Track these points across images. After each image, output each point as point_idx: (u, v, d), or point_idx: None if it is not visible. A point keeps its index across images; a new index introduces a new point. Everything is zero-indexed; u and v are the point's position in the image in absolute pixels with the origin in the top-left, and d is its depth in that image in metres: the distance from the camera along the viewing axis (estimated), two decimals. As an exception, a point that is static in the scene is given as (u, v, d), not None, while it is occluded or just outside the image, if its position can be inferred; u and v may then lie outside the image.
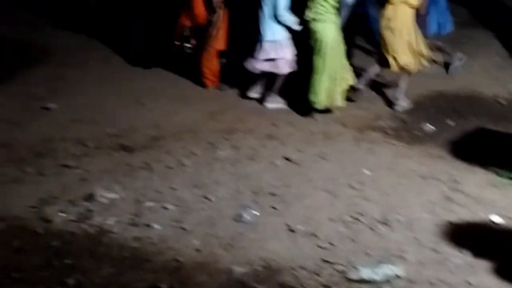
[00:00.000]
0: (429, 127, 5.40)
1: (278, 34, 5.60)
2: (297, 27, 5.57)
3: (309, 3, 5.42)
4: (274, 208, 4.05)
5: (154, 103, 5.85)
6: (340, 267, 3.47)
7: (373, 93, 6.10)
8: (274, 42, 5.61)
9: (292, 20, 5.54)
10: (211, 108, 5.76)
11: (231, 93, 6.15)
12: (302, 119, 5.55)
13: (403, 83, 5.79)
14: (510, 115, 5.71)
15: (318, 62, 5.43)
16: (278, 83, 5.79)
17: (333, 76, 5.45)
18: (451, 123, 5.50)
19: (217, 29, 6.07)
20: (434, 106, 5.88)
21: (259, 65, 5.70)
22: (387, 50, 5.64)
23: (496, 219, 3.96)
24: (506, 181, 4.45)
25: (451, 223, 3.91)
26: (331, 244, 3.67)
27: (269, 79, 5.84)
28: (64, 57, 7.02)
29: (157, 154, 4.79)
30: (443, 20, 6.35)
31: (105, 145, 4.93)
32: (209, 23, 6.09)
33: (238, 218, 3.92)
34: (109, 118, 5.48)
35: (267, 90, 5.86)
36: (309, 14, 5.43)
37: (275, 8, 5.52)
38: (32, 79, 6.37)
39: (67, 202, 4.07)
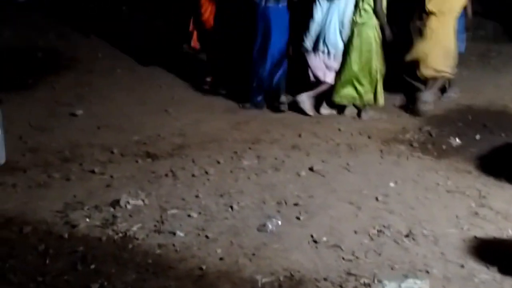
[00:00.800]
0: (456, 141, 5.35)
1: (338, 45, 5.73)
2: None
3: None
4: (298, 218, 4.04)
5: (180, 112, 5.89)
6: (364, 280, 3.43)
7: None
8: (331, 53, 5.74)
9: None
10: (236, 118, 5.78)
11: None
12: (327, 130, 5.53)
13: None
14: (540, 130, 5.62)
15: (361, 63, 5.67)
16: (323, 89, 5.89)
17: (375, 76, 5.70)
18: (478, 137, 5.43)
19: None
20: (461, 120, 5.82)
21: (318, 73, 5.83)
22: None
23: (524, 235, 3.90)
24: (534, 197, 4.38)
25: (478, 239, 3.84)
26: (356, 256, 3.63)
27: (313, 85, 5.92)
28: (91, 65, 7.13)
29: (182, 162, 4.81)
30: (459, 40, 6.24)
31: (130, 152, 4.97)
32: None
33: (262, 228, 3.90)
34: (135, 125, 5.53)
35: (322, 97, 5.96)
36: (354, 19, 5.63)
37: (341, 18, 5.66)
38: (60, 86, 6.47)
39: (93, 207, 4.10)
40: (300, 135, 5.41)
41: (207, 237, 3.80)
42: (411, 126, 5.66)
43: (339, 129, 5.57)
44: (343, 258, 3.62)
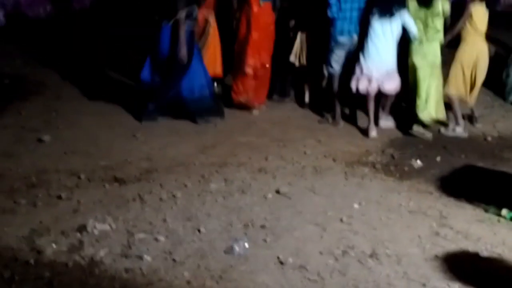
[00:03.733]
0: (417, 163, 5.49)
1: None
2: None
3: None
4: (264, 240, 4.09)
5: (147, 136, 5.92)
6: (329, 300, 3.50)
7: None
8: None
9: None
10: (204, 142, 5.84)
11: (223, 127, 6.24)
12: (293, 153, 5.63)
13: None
14: (497, 152, 5.82)
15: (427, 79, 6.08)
16: (391, 101, 6.26)
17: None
18: (439, 159, 5.60)
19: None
20: (422, 143, 6.00)
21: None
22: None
23: (484, 254, 4.01)
24: (493, 217, 4.52)
25: (439, 258, 3.95)
26: (321, 277, 3.70)
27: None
28: (59, 90, 7.12)
29: (149, 186, 4.84)
30: None
31: (98, 177, 4.97)
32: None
33: (229, 251, 3.95)
34: (103, 150, 5.53)
35: (381, 109, 6.32)
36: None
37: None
38: (27, 112, 6.44)
39: (59, 233, 4.08)
40: (266, 158, 5.49)
41: (174, 260, 3.83)
42: (374, 149, 5.81)
43: (305, 152, 5.67)
44: (308, 279, 3.69)
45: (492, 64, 6.41)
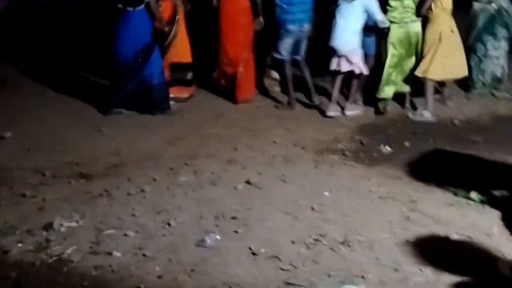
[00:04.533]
0: (386, 148, 5.51)
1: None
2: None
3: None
4: (236, 232, 4.05)
5: (114, 130, 5.82)
6: (302, 289, 3.48)
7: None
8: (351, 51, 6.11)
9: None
10: (172, 134, 5.77)
11: (191, 118, 6.17)
12: (262, 143, 5.60)
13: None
14: (465, 136, 5.86)
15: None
16: (355, 87, 6.26)
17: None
18: (408, 144, 5.62)
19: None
20: (391, 128, 6.02)
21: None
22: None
23: (454, 237, 4.04)
24: (463, 200, 4.55)
25: (410, 242, 3.96)
26: (293, 266, 3.68)
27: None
28: (21, 87, 6.98)
29: (117, 181, 4.75)
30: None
31: (63, 173, 4.87)
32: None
33: (201, 243, 3.90)
34: (68, 146, 5.43)
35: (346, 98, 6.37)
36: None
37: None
38: (-13, 108, 6.28)
39: (25, 232, 3.98)
40: (236, 149, 5.44)
41: (144, 255, 3.76)
42: (342, 136, 5.80)
43: (274, 142, 5.64)
44: (281, 269, 3.66)
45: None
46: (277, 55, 6.46)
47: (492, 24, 6.64)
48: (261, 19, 6.47)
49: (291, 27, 6.27)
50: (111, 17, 6.18)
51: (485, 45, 6.73)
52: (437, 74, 6.25)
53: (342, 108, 6.33)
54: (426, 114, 6.23)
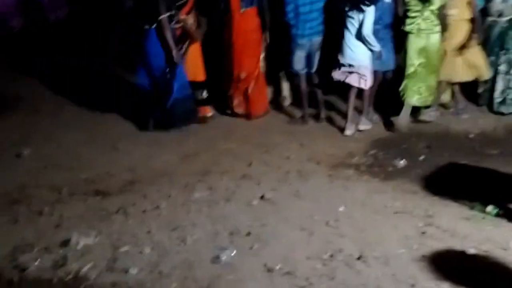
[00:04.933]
0: (401, 162, 5.49)
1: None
2: (377, 48, 5.96)
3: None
4: (251, 248, 4.05)
5: (129, 147, 5.86)
6: (319, 305, 3.47)
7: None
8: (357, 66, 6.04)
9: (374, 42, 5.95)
10: (186, 150, 5.79)
11: (204, 135, 6.20)
12: (276, 158, 5.60)
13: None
14: (480, 149, 5.82)
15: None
16: (366, 102, 6.24)
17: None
18: (422, 158, 5.60)
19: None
20: (405, 142, 6.00)
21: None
22: None
23: (471, 251, 4.01)
24: (478, 214, 4.52)
25: (426, 257, 3.94)
26: (309, 282, 3.67)
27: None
28: (37, 104, 7.05)
29: (132, 198, 4.78)
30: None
31: (79, 191, 4.91)
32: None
33: (216, 260, 3.90)
34: (84, 163, 5.47)
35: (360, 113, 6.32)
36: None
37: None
38: (4, 126, 6.36)
39: (42, 249, 4.02)
40: (250, 165, 5.45)
41: (160, 272, 3.78)
42: (357, 150, 5.79)
43: (288, 157, 5.64)
44: (297, 285, 3.65)
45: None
46: (292, 70, 6.48)
47: (503, 38, 6.53)
48: (267, 35, 6.51)
49: (302, 41, 6.29)
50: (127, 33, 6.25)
51: (497, 60, 6.55)
52: (459, 76, 6.31)
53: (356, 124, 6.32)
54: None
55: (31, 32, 8.87)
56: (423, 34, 6.12)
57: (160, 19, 5.95)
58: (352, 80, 6.13)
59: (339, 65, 6.15)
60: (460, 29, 6.21)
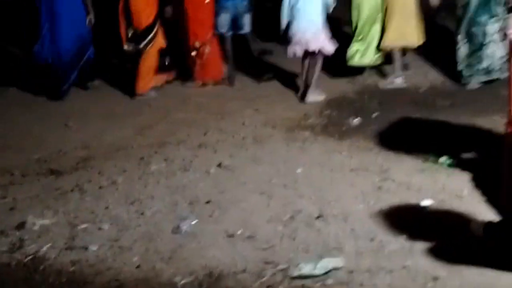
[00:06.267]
0: (355, 121, 5.54)
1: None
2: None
3: None
4: (211, 216, 4.05)
5: (81, 124, 5.77)
6: (281, 267, 3.49)
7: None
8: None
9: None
10: (140, 122, 5.73)
11: (158, 106, 6.13)
12: (232, 125, 5.58)
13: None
14: (431, 102, 5.92)
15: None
16: (316, 73, 6.10)
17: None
18: (375, 115, 5.66)
19: None
20: (358, 101, 6.06)
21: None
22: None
23: (427, 203, 4.09)
24: (432, 165, 4.60)
25: (384, 212, 4.00)
26: (271, 244, 3.69)
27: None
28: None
29: (87, 175, 4.71)
30: None
31: (32, 171, 4.81)
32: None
33: (177, 230, 3.89)
34: (35, 143, 5.36)
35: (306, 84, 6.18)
36: None
37: None
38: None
39: (-2, 233, 3.94)
40: (205, 133, 5.43)
41: (121, 247, 3.74)
42: (312, 112, 5.83)
43: (244, 123, 5.64)
44: (259, 248, 3.67)
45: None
46: (216, 31, 6.54)
47: (488, 2, 5.81)
48: None
49: (226, 3, 6.39)
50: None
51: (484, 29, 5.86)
52: (394, 41, 6.28)
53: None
54: (398, 81, 6.31)
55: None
56: None
57: None
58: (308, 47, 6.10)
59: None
60: None
